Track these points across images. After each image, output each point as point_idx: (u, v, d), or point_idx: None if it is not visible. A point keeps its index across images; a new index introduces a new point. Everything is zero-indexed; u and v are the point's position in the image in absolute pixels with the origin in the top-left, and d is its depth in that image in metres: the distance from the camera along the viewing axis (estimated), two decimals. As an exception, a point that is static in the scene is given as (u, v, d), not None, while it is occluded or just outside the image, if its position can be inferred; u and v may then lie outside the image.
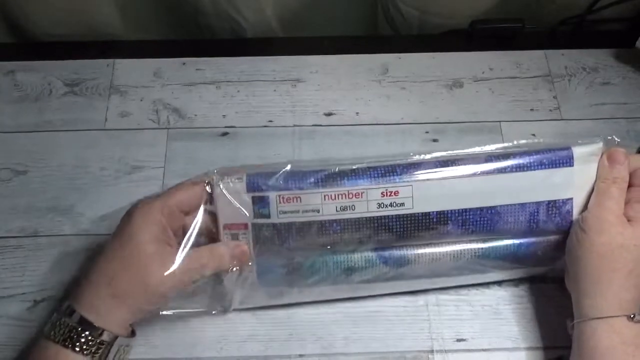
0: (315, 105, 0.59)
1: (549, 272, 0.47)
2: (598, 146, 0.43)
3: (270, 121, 0.58)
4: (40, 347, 0.38)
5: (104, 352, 0.38)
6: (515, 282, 0.49)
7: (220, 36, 0.65)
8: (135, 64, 0.61)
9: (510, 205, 0.43)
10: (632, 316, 0.40)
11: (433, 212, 0.42)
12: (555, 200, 0.43)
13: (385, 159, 0.43)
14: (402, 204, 0.41)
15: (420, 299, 0.48)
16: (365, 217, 0.42)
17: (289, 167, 0.42)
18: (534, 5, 0.63)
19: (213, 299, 0.46)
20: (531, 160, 0.42)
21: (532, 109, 0.58)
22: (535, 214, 0.43)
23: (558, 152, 0.43)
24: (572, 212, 0.43)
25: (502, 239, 0.45)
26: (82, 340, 0.37)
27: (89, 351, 0.38)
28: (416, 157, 0.43)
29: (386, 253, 0.44)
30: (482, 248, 0.44)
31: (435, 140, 0.56)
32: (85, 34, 0.63)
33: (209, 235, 0.43)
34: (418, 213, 0.42)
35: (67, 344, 0.37)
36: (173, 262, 0.39)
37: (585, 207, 0.43)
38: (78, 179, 0.54)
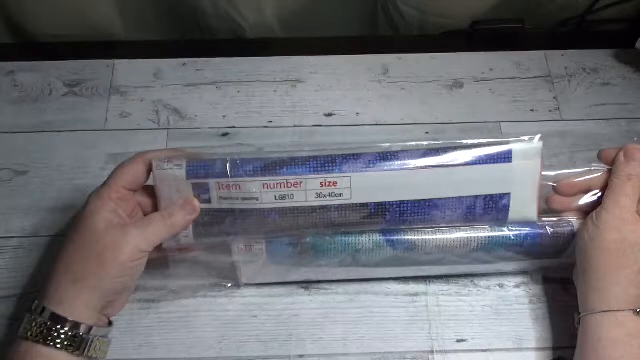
0: (315, 106, 0.59)
1: (553, 264, 0.47)
2: (537, 144, 0.43)
3: (271, 122, 0.58)
4: (16, 347, 0.38)
5: (79, 345, 0.38)
6: (515, 282, 0.49)
7: (220, 37, 0.65)
8: (135, 65, 0.61)
9: (449, 198, 0.43)
10: (638, 310, 0.40)
11: (371, 203, 0.42)
12: (492, 195, 0.43)
13: (325, 149, 0.43)
14: (341, 195, 0.42)
15: (421, 300, 0.48)
16: (304, 206, 0.42)
17: (227, 157, 0.42)
18: (534, 6, 0.63)
19: (224, 274, 0.46)
20: (470, 155, 0.42)
21: (532, 110, 0.58)
22: (472, 207, 0.43)
23: (497, 148, 0.43)
24: (508, 206, 0.44)
25: (509, 229, 0.45)
26: (54, 334, 0.37)
27: (62, 345, 0.38)
28: (357, 148, 0.43)
29: (394, 237, 0.45)
30: (489, 237, 0.45)
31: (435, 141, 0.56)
32: (85, 34, 0.63)
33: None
34: (356, 203, 0.42)
35: (40, 340, 0.37)
36: (126, 233, 0.40)
37: (522, 203, 0.44)
38: (78, 179, 0.54)
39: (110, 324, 0.42)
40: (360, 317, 0.48)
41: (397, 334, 0.47)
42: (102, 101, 0.58)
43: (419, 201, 0.43)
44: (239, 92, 0.59)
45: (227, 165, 0.42)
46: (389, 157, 0.42)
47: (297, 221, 0.43)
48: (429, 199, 0.43)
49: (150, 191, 0.43)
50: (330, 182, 0.41)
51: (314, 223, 0.43)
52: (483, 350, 0.47)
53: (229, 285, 0.48)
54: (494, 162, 0.42)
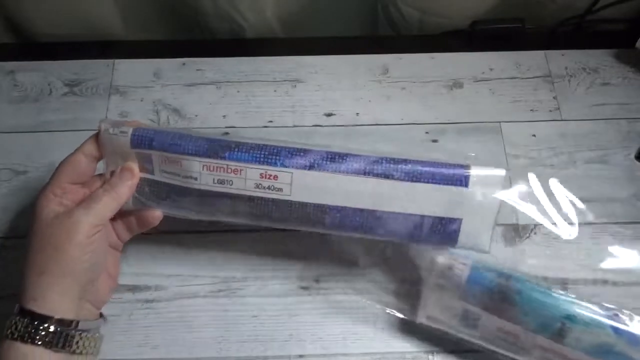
0: (315, 106, 0.59)
1: None
2: (499, 172, 0.40)
3: (270, 121, 0.58)
4: (3, 348, 0.38)
5: (57, 341, 0.38)
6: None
7: (220, 37, 0.65)
8: (135, 64, 0.61)
9: (394, 213, 0.41)
10: None
11: (311, 203, 0.41)
12: (442, 218, 0.41)
13: (274, 141, 0.42)
14: (280, 190, 0.40)
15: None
16: (242, 195, 0.41)
17: (174, 132, 0.42)
18: (534, 5, 0.63)
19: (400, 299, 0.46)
20: (423, 172, 0.40)
21: (532, 110, 0.58)
22: (419, 227, 0.41)
23: (454, 169, 0.40)
24: (458, 232, 0.41)
25: None
26: (31, 331, 0.37)
27: (42, 341, 0.37)
28: (306, 145, 0.41)
29: (621, 325, 0.39)
30: None
31: (435, 141, 0.56)
32: (85, 34, 0.63)
33: None
34: (295, 201, 0.41)
35: (17, 337, 0.37)
36: (73, 215, 0.39)
37: (474, 231, 0.41)
38: (78, 179, 0.54)
39: (101, 316, 0.42)
40: (359, 317, 0.48)
41: (397, 334, 0.47)
42: (102, 101, 0.58)
43: (362, 210, 0.41)
44: (238, 92, 0.59)
45: (172, 139, 0.41)
46: (337, 158, 0.41)
47: (234, 208, 0.42)
48: (373, 210, 0.41)
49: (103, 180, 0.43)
50: (270, 175, 0.40)
51: (251, 213, 0.42)
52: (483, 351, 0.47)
53: (405, 316, 0.46)
54: (448, 184, 0.40)
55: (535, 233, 0.51)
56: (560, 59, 0.61)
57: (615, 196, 0.53)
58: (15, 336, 0.37)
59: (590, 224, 0.52)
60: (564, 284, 0.49)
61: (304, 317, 0.48)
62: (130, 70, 0.60)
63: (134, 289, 0.49)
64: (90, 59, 0.61)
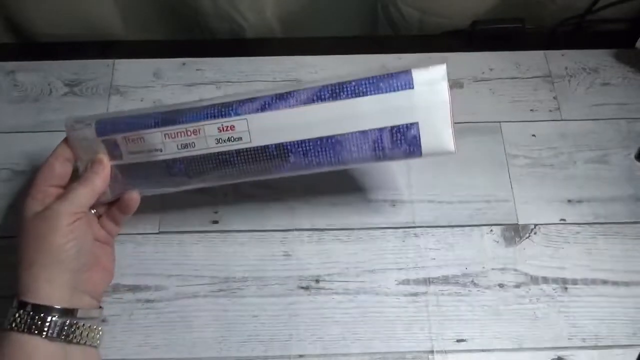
0: (315, 106, 0.59)
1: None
2: (440, 67, 0.41)
3: (270, 121, 0.58)
4: (2, 339, 0.39)
5: (57, 330, 0.39)
6: (516, 282, 0.49)
7: (220, 37, 0.65)
8: (135, 64, 0.61)
9: (351, 133, 0.41)
10: None
11: (271, 145, 0.42)
12: (398, 126, 0.41)
13: (226, 97, 0.43)
14: (240, 139, 0.42)
15: (421, 300, 0.49)
16: (206, 154, 0.42)
17: (132, 111, 0.43)
18: (534, 5, 0.63)
19: None
20: (367, 85, 0.41)
21: (532, 110, 0.58)
22: (379, 141, 0.41)
23: (396, 75, 0.41)
24: (419, 137, 0.41)
25: None
26: (27, 320, 0.38)
27: (37, 330, 0.38)
28: (255, 92, 0.43)
29: None
30: None
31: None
32: (85, 34, 0.63)
33: None
34: (257, 147, 0.42)
35: (12, 327, 0.38)
36: (52, 207, 0.41)
37: (434, 132, 0.41)
38: (78, 179, 0.54)
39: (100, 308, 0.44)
40: (360, 317, 0.48)
41: (397, 334, 0.47)
42: (102, 101, 0.58)
43: (320, 139, 0.41)
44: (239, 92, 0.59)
45: (132, 119, 0.43)
46: (285, 96, 0.42)
47: (202, 170, 0.43)
48: (331, 136, 0.41)
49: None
50: (227, 127, 0.41)
51: (220, 172, 0.43)
52: (483, 350, 0.47)
53: None
54: (394, 90, 0.41)
55: (535, 233, 0.51)
56: (560, 59, 0.61)
57: (615, 196, 0.53)
58: (13, 326, 0.38)
59: (590, 223, 0.52)
60: (564, 283, 0.49)
61: (304, 317, 0.48)
62: (130, 70, 0.60)
63: (134, 289, 0.49)
64: (90, 59, 0.61)
